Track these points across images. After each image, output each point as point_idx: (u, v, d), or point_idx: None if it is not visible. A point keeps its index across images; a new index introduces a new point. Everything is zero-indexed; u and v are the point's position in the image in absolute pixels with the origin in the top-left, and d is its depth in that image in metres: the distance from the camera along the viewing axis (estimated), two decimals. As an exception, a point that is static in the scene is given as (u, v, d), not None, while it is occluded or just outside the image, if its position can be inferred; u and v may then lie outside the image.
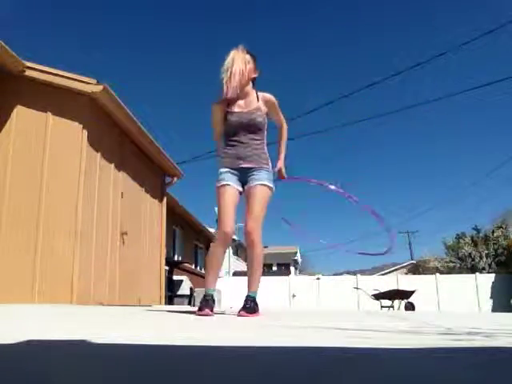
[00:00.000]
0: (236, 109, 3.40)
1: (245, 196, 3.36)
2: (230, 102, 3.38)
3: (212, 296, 3.20)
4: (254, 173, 3.33)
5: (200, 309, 3.10)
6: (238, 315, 3.09)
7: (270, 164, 3.43)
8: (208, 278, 3.28)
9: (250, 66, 3.35)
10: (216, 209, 3.42)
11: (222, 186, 3.30)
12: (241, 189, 3.36)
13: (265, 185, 3.32)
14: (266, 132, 3.47)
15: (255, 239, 3.22)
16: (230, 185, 3.30)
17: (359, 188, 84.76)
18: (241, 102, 3.40)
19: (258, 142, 3.39)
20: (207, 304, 3.11)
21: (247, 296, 3.22)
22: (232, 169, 3.34)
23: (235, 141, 3.36)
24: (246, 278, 3.36)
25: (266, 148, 3.44)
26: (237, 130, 3.36)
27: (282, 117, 3.56)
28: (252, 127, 3.36)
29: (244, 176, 3.34)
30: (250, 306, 3.14)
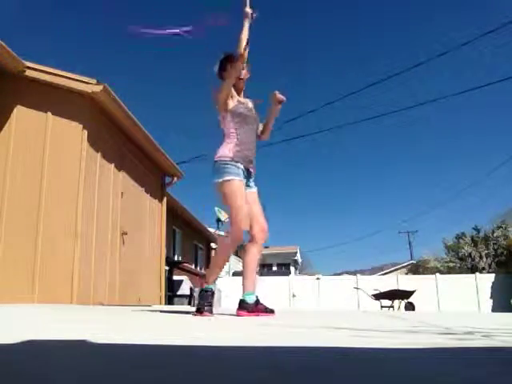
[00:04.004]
0: (242, 100, 3.39)
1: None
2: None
3: (211, 290, 3.16)
4: (253, 179, 3.37)
5: (199, 311, 3.07)
6: (238, 314, 3.10)
7: None
8: (212, 273, 3.25)
9: (245, 70, 3.42)
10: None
11: (240, 180, 3.15)
12: None
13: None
14: None
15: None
16: (244, 186, 3.21)
17: (359, 187, 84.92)
18: (241, 99, 3.42)
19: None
20: (206, 305, 3.08)
21: (245, 295, 3.22)
22: (245, 169, 3.24)
23: (246, 138, 3.27)
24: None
25: None
26: (246, 123, 3.30)
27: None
28: (256, 125, 3.38)
29: (246, 178, 3.31)
30: (249, 305, 3.14)
